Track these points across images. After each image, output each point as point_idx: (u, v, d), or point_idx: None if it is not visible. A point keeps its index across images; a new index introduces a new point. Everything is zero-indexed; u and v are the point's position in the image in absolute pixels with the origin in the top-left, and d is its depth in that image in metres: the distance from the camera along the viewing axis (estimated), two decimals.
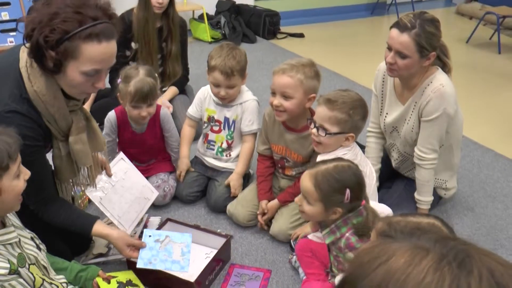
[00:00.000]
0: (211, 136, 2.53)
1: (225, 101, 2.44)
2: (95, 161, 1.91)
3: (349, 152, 1.95)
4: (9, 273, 1.36)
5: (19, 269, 1.42)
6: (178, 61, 3.23)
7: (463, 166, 2.85)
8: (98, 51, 1.49)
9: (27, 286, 1.42)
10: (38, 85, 1.56)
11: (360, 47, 5.34)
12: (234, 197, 2.46)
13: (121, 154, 2.24)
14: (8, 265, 1.37)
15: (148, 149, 2.56)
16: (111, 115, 2.47)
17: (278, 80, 2.12)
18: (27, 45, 1.53)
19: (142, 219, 2.36)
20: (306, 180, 1.68)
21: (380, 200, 2.36)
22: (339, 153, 1.94)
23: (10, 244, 1.45)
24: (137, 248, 1.89)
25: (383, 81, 2.33)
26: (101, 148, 1.91)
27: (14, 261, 1.41)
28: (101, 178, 2.05)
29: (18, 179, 1.41)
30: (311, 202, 1.68)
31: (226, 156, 2.55)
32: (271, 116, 2.30)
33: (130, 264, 1.98)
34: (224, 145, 2.53)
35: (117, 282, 1.84)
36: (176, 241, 1.97)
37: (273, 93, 2.15)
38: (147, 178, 2.44)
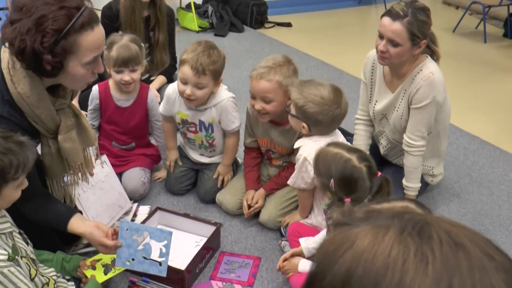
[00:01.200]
0: (190, 135, 2.43)
1: (191, 103, 2.24)
2: (86, 157, 1.89)
3: (325, 140, 1.94)
4: (8, 260, 1.37)
5: (16, 257, 1.43)
6: (165, 50, 3.21)
7: (449, 153, 2.89)
8: (94, 37, 1.49)
9: (25, 274, 1.42)
10: (22, 87, 1.51)
11: (348, 36, 5.35)
12: (220, 189, 2.45)
13: (104, 157, 2.24)
14: (6, 252, 1.38)
15: (130, 129, 2.52)
16: (94, 89, 2.47)
17: (257, 85, 2.09)
18: (7, 50, 1.47)
19: (131, 208, 2.36)
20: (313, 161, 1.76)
21: None
22: (315, 140, 1.96)
23: (4, 234, 1.45)
24: (113, 247, 1.78)
25: (373, 69, 2.35)
26: (92, 144, 1.89)
27: (9, 250, 1.41)
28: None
29: (17, 189, 1.44)
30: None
31: (211, 152, 2.48)
32: (254, 111, 2.29)
33: None
34: (205, 143, 2.44)
35: (102, 265, 1.84)
36: (156, 240, 1.84)
37: (253, 97, 2.13)
38: (125, 171, 2.47)
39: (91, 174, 2.05)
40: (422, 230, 0.50)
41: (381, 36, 2.09)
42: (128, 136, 2.55)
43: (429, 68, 2.12)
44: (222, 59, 2.22)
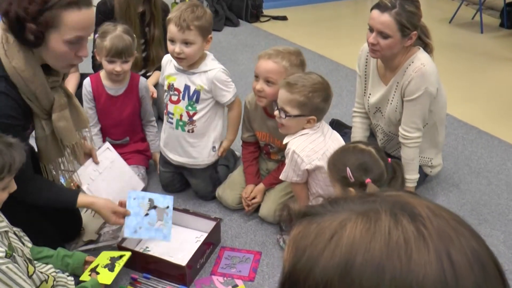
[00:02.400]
0: (170, 107, 2.31)
1: (182, 63, 2.19)
2: (79, 139, 1.89)
3: (311, 132, 1.97)
4: (6, 257, 1.37)
5: (14, 254, 1.42)
6: (161, 45, 3.19)
7: (448, 144, 2.89)
8: (79, 18, 1.50)
9: (23, 271, 1.42)
10: (17, 61, 1.52)
11: (344, 29, 5.34)
12: (219, 183, 2.44)
13: (107, 144, 2.23)
14: (3, 249, 1.37)
15: (124, 120, 2.51)
16: (86, 81, 2.48)
17: (262, 64, 2.10)
18: (3, 20, 1.49)
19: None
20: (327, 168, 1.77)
21: None
22: (302, 133, 1.97)
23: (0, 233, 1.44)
24: (123, 215, 1.89)
25: (366, 62, 2.34)
26: (85, 125, 1.89)
27: (6, 248, 1.41)
28: (88, 166, 2.04)
29: (3, 191, 1.41)
30: (332, 183, 1.78)
31: (189, 132, 2.29)
32: (252, 103, 2.29)
33: (121, 250, 1.97)
34: (185, 117, 2.27)
35: (104, 267, 1.82)
36: (159, 205, 1.99)
37: (256, 77, 2.13)
38: None
39: (96, 162, 2.05)
40: (409, 210, 0.51)
41: (371, 29, 2.09)
42: (122, 128, 2.54)
43: (420, 59, 2.12)
44: (208, 16, 2.16)
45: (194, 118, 2.27)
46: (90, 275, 1.76)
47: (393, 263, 0.47)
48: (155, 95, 3.02)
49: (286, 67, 2.07)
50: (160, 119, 3.07)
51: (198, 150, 2.34)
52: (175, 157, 2.38)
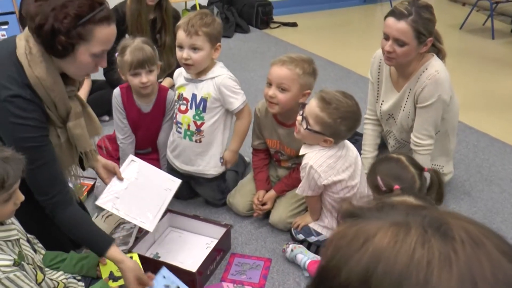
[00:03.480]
0: (178, 117, 2.31)
1: (190, 69, 2.19)
2: (93, 146, 1.91)
3: (329, 147, 1.95)
4: (14, 265, 1.38)
5: (22, 262, 1.43)
6: (172, 52, 3.21)
7: (459, 151, 2.87)
8: (107, 33, 1.59)
9: (30, 279, 1.43)
10: (39, 71, 1.58)
11: (354, 35, 5.34)
12: (229, 191, 2.44)
13: (131, 156, 2.19)
14: (11, 257, 1.38)
15: (151, 135, 2.51)
16: (116, 91, 2.42)
17: (276, 71, 2.09)
18: (35, 32, 1.53)
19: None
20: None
21: None
22: (320, 148, 1.95)
23: (10, 241, 1.46)
24: (144, 285, 1.76)
25: (379, 69, 2.34)
26: (97, 132, 1.93)
27: (15, 257, 1.42)
28: (113, 185, 2.00)
29: (5, 204, 1.39)
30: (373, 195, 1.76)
31: (196, 142, 2.29)
32: (262, 111, 2.29)
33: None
34: (192, 127, 2.27)
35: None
36: None
37: (269, 84, 2.13)
38: None
39: (120, 179, 2.02)
40: (443, 230, 0.50)
41: (386, 37, 2.08)
42: (148, 141, 2.54)
43: (434, 66, 2.11)
44: (217, 24, 2.17)
45: (202, 128, 2.27)
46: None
47: (411, 281, 0.46)
48: None
49: (299, 74, 2.06)
50: None
51: (206, 160, 2.34)
52: (182, 166, 2.38)
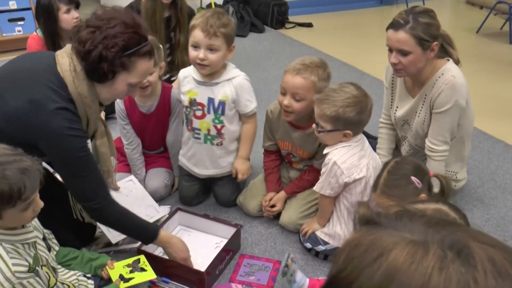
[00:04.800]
0: (195, 123, 2.25)
1: (204, 70, 2.12)
2: (112, 166, 2.00)
3: (354, 145, 1.94)
4: (28, 271, 1.39)
5: (36, 267, 1.44)
6: (186, 50, 3.16)
7: (473, 157, 2.84)
8: (147, 66, 1.72)
9: (44, 285, 1.44)
10: (82, 88, 1.66)
11: (370, 37, 5.30)
12: (240, 190, 2.44)
13: (131, 176, 2.29)
14: (26, 263, 1.39)
15: (157, 136, 2.50)
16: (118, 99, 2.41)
17: (291, 80, 2.05)
18: (82, 57, 1.63)
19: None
20: (381, 201, 1.67)
21: None
22: (344, 145, 1.94)
23: (27, 243, 1.47)
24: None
25: (393, 75, 2.32)
26: (114, 153, 2.02)
27: (30, 261, 1.43)
28: None
29: (25, 211, 1.40)
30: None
31: (218, 145, 2.28)
32: (274, 113, 2.26)
33: (140, 253, 1.98)
34: (213, 132, 2.24)
35: (124, 266, 1.84)
36: None
37: (283, 93, 2.09)
38: (150, 169, 2.48)
39: (115, 189, 2.13)
40: (464, 255, 0.47)
41: (390, 50, 2.07)
42: (156, 141, 2.54)
43: (451, 71, 2.09)
44: (232, 24, 2.15)
45: (222, 131, 2.25)
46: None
47: None
48: None
49: (314, 82, 2.03)
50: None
51: (227, 160, 2.35)
52: (202, 171, 2.38)
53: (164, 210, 2.37)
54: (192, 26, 2.11)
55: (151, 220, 2.17)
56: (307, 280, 1.91)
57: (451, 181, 1.70)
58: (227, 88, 2.18)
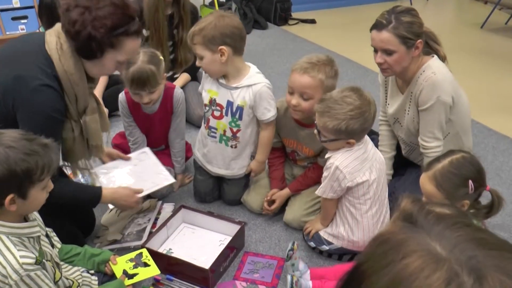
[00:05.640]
0: (212, 122, 2.27)
1: (210, 76, 2.21)
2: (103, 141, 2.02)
3: (356, 148, 1.92)
4: (35, 263, 1.39)
5: (43, 260, 1.45)
6: (189, 48, 3.21)
7: (477, 153, 2.78)
8: (135, 45, 1.76)
9: (50, 278, 1.45)
10: (68, 65, 1.70)
11: None
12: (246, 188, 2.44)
13: (146, 148, 2.33)
14: (33, 255, 1.40)
15: (160, 135, 2.51)
16: (121, 97, 2.41)
17: (298, 79, 2.04)
18: (71, 37, 1.66)
19: (155, 206, 2.37)
20: (427, 184, 1.64)
21: (393, 188, 2.36)
22: (346, 149, 1.92)
23: (32, 237, 1.47)
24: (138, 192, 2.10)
25: None
26: (106, 129, 2.04)
27: (36, 254, 1.43)
28: (112, 164, 2.25)
29: (43, 191, 1.45)
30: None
31: (232, 147, 2.29)
32: (281, 111, 2.25)
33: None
34: (228, 133, 2.26)
35: (127, 261, 1.84)
36: None
37: (291, 92, 2.08)
38: None
39: (126, 158, 2.30)
40: (477, 280, 0.46)
41: (375, 50, 2.08)
42: (159, 140, 2.55)
43: (431, 68, 2.07)
44: (214, 26, 2.05)
45: (238, 135, 2.26)
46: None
47: None
48: None
49: (322, 80, 2.01)
50: (187, 122, 3.08)
51: (239, 163, 2.34)
52: (214, 169, 2.38)
53: (168, 208, 2.38)
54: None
55: (155, 187, 2.21)
56: (308, 270, 1.93)
57: (503, 202, 1.66)
58: (246, 94, 2.16)
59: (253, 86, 2.16)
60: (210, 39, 2.06)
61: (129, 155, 2.35)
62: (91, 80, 1.85)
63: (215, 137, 2.30)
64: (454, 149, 1.77)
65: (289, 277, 1.84)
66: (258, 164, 2.34)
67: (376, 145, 2.48)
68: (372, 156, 1.97)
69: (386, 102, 2.37)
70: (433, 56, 2.12)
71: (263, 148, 2.30)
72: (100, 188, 1.99)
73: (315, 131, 1.96)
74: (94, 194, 1.97)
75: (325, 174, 1.96)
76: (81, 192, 1.98)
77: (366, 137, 1.99)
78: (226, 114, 2.22)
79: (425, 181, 1.66)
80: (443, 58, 2.17)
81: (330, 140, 1.90)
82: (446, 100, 2.07)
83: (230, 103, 2.19)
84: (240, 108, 2.19)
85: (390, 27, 1.98)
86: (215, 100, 2.22)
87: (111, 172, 2.23)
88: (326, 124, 1.86)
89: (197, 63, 2.17)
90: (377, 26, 2.03)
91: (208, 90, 2.24)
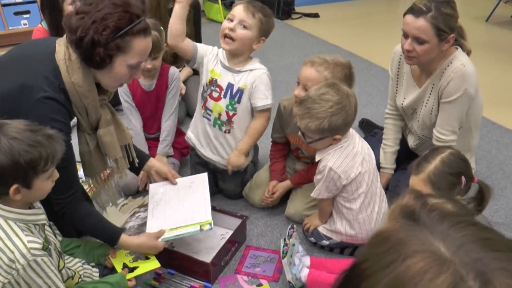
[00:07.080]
0: (209, 103, 2.22)
1: (227, 45, 2.09)
2: (123, 153, 1.95)
3: (345, 145, 1.90)
4: (42, 249, 1.40)
5: (49, 246, 1.46)
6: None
7: (481, 147, 2.81)
8: (144, 45, 1.66)
9: (55, 266, 1.46)
10: (76, 77, 1.63)
11: (376, 26, 5.25)
12: (246, 182, 2.42)
13: (205, 176, 2.14)
14: (40, 241, 1.41)
15: (158, 113, 2.56)
16: None
17: (304, 71, 2.03)
18: (75, 44, 1.59)
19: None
20: (422, 187, 1.60)
21: (397, 181, 2.35)
22: (336, 148, 1.90)
23: (38, 225, 1.48)
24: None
25: (399, 64, 2.29)
26: (127, 140, 1.97)
27: (42, 240, 1.44)
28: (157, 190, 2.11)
29: (48, 181, 1.46)
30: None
31: (226, 132, 2.24)
32: (288, 109, 2.23)
33: None
34: (224, 117, 2.21)
35: (127, 254, 1.85)
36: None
37: (298, 83, 2.07)
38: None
39: (173, 183, 2.12)
40: (481, 287, 0.44)
41: (405, 35, 2.01)
42: (157, 121, 2.58)
43: (460, 60, 2.05)
44: (271, 23, 2.16)
45: (233, 119, 2.22)
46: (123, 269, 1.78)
47: None
48: (183, 91, 3.02)
49: (326, 78, 1.97)
50: (188, 115, 3.08)
51: (230, 152, 2.29)
52: (207, 153, 2.34)
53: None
54: (235, 4, 2.16)
55: (205, 186, 2.09)
56: (308, 258, 1.93)
57: (492, 192, 1.64)
58: (247, 78, 2.16)
59: (254, 71, 2.17)
60: (265, 28, 2.13)
61: (191, 176, 2.21)
62: (104, 92, 1.78)
63: (209, 119, 2.26)
64: (435, 146, 1.76)
65: (282, 241, 1.89)
66: (237, 154, 2.24)
67: (380, 138, 2.47)
68: (361, 148, 1.95)
69: (396, 95, 2.34)
70: (457, 48, 2.09)
71: (249, 137, 2.24)
72: (119, 233, 1.81)
73: (299, 133, 1.93)
74: (111, 237, 1.82)
75: (318, 177, 1.95)
76: (99, 230, 1.82)
77: (352, 131, 1.95)
78: (225, 97, 2.19)
79: (419, 184, 1.62)
80: (468, 53, 2.13)
81: (316, 140, 1.88)
82: (472, 93, 2.05)
83: (230, 85, 2.18)
84: (241, 91, 2.17)
85: (429, 15, 1.92)
86: (216, 81, 2.20)
87: (160, 204, 2.07)
88: (309, 125, 1.82)
89: (232, 25, 2.07)
90: (415, 11, 1.96)
91: (211, 69, 2.21)
